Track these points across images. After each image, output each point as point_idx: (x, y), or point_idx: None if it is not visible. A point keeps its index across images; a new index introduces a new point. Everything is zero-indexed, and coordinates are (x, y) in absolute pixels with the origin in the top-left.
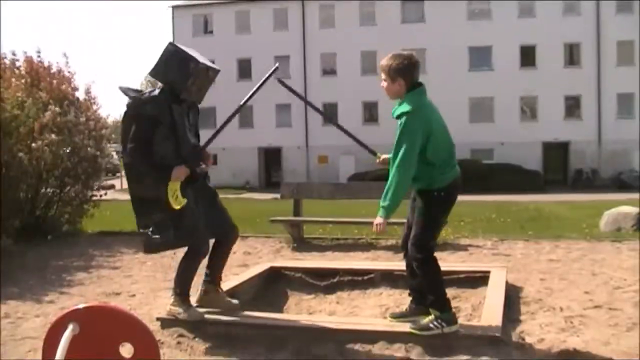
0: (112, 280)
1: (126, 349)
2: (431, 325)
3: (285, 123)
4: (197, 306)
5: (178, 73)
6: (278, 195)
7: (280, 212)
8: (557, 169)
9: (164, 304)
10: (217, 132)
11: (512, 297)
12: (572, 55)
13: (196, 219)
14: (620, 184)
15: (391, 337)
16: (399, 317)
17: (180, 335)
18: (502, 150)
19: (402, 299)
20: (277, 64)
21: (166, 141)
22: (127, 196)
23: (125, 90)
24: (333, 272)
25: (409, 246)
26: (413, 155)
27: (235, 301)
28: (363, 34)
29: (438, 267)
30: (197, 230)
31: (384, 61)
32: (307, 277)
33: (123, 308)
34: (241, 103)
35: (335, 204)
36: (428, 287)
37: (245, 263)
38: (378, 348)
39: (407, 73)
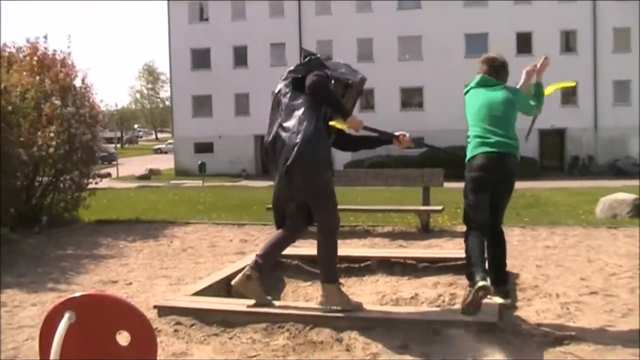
0: (109, 269)
1: (123, 337)
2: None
3: None
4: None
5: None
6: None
7: None
8: (554, 155)
9: (161, 291)
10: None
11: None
12: (568, 42)
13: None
14: (617, 170)
15: (388, 324)
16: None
17: (178, 323)
18: None
19: (398, 286)
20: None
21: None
22: (123, 184)
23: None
24: None
25: None
26: None
27: (269, 297)
28: (359, 21)
29: (476, 244)
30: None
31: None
32: (304, 264)
33: (120, 296)
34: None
35: None
36: (465, 257)
37: (242, 250)
38: (375, 335)
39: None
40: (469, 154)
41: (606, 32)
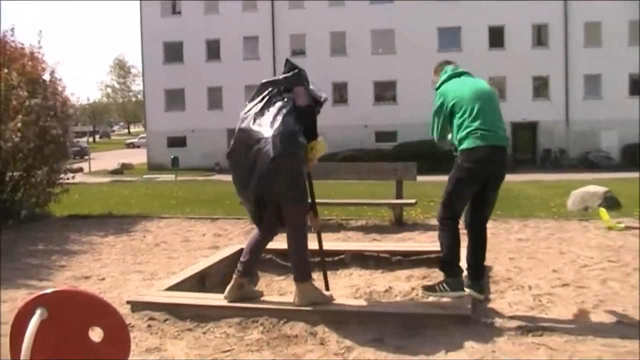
0: (81, 264)
1: (96, 333)
2: (437, 287)
3: None
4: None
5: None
6: None
7: None
8: (526, 148)
9: (134, 287)
10: None
11: None
12: (540, 36)
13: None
14: (588, 163)
15: (363, 318)
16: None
17: (151, 319)
18: None
19: (372, 279)
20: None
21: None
22: (95, 179)
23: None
24: None
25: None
26: None
27: (259, 290)
28: (332, 14)
29: (456, 233)
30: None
31: None
32: (278, 258)
33: (92, 292)
34: None
35: None
36: (442, 249)
37: (215, 245)
38: (349, 328)
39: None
40: (467, 144)
41: (577, 26)
